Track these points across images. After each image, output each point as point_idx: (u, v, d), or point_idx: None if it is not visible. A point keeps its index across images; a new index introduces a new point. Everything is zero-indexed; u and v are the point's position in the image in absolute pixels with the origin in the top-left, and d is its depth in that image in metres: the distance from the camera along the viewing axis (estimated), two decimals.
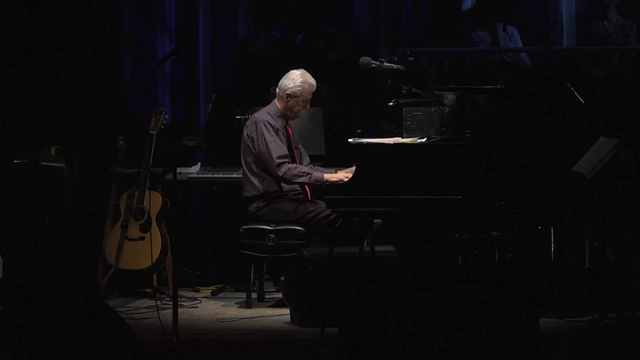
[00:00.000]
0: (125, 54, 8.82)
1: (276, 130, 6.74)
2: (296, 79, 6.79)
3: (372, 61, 6.80)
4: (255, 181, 6.75)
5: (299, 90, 6.77)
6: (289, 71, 6.90)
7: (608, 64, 8.73)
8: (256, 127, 6.76)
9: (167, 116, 7.09)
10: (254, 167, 6.77)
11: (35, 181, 7.30)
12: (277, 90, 6.86)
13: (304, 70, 6.84)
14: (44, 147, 7.56)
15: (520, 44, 8.91)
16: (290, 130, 6.92)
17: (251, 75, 8.43)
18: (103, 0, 8.63)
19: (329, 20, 8.77)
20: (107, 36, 8.62)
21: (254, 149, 6.74)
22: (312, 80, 6.82)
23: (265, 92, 7.50)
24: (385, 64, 6.81)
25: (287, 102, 6.81)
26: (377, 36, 8.80)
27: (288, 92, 6.78)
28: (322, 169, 6.85)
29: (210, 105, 7.81)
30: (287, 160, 6.69)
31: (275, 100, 6.88)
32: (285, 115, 6.85)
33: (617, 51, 8.72)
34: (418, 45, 8.71)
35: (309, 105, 6.89)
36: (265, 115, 6.81)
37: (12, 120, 7.86)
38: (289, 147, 6.83)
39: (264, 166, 6.72)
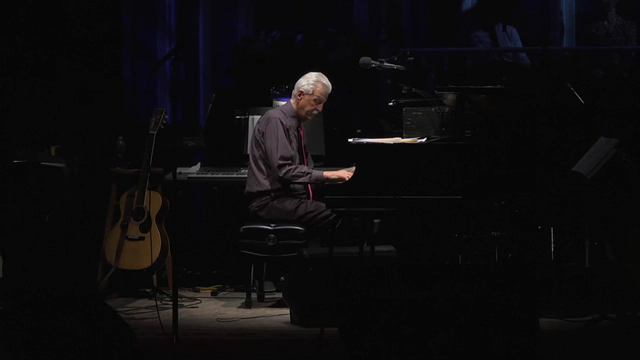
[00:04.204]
0: (125, 54, 8.82)
1: (287, 130, 6.75)
2: (311, 78, 6.82)
3: (372, 61, 6.80)
4: (260, 177, 6.77)
5: (311, 88, 6.79)
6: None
7: (608, 64, 8.72)
8: (268, 123, 6.77)
9: (167, 116, 7.10)
10: (260, 163, 6.77)
11: (35, 181, 7.30)
12: (293, 90, 6.88)
13: (322, 74, 6.86)
14: (44, 147, 7.56)
15: (520, 44, 8.90)
16: (302, 132, 6.92)
17: (251, 75, 8.43)
18: (103, 0, 8.63)
19: (329, 20, 8.77)
20: (107, 36, 8.62)
21: (263, 144, 6.76)
22: (326, 82, 6.82)
23: (265, 92, 7.52)
24: (385, 64, 6.82)
25: (299, 100, 6.82)
26: (377, 36, 8.80)
27: (301, 89, 6.81)
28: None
29: (210, 105, 7.81)
30: (289, 162, 6.70)
31: (290, 100, 6.90)
32: (298, 115, 6.86)
33: (617, 51, 8.72)
34: (418, 45, 8.71)
35: (322, 107, 6.88)
36: (279, 113, 6.83)
37: (12, 120, 7.86)
38: (299, 149, 6.84)
39: (270, 163, 6.73)
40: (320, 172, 6.71)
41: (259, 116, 7.06)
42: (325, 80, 6.84)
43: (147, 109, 8.17)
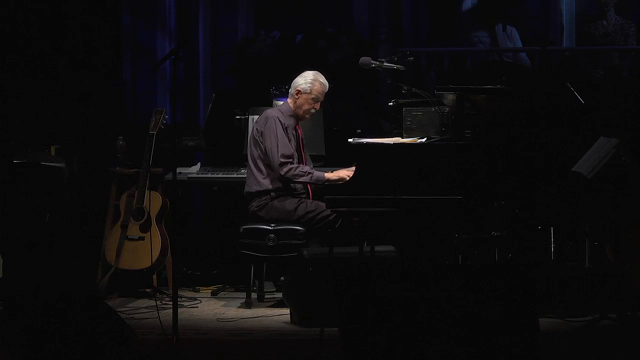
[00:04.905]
0: (125, 54, 8.82)
1: (285, 129, 6.75)
2: (308, 76, 6.81)
3: (372, 61, 6.80)
4: (259, 177, 6.76)
5: (309, 87, 6.78)
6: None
7: (608, 64, 8.72)
8: (266, 122, 6.76)
9: (167, 116, 7.10)
10: (259, 163, 6.77)
11: (35, 181, 7.30)
12: (290, 89, 6.87)
13: (319, 72, 6.86)
14: (44, 147, 7.56)
15: (519, 44, 8.91)
16: (300, 132, 6.92)
17: (251, 75, 8.43)
18: (103, 0, 8.64)
19: (329, 20, 8.77)
20: (107, 36, 8.62)
21: (262, 143, 6.75)
22: (324, 81, 6.82)
23: (265, 92, 7.51)
24: (385, 64, 6.81)
25: (297, 99, 6.81)
26: (377, 36, 8.80)
27: (298, 88, 6.80)
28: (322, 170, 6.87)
29: (210, 105, 7.82)
30: (290, 160, 6.70)
31: (288, 100, 6.89)
32: (296, 115, 6.85)
33: (617, 51, 8.72)
34: (418, 45, 8.71)
35: (319, 106, 6.88)
36: (277, 112, 6.82)
37: (12, 120, 7.86)
38: (298, 148, 6.84)
39: (269, 162, 6.73)
40: (321, 172, 6.70)
41: (259, 116, 7.06)
42: (322, 78, 6.83)
43: (147, 109, 8.17)
